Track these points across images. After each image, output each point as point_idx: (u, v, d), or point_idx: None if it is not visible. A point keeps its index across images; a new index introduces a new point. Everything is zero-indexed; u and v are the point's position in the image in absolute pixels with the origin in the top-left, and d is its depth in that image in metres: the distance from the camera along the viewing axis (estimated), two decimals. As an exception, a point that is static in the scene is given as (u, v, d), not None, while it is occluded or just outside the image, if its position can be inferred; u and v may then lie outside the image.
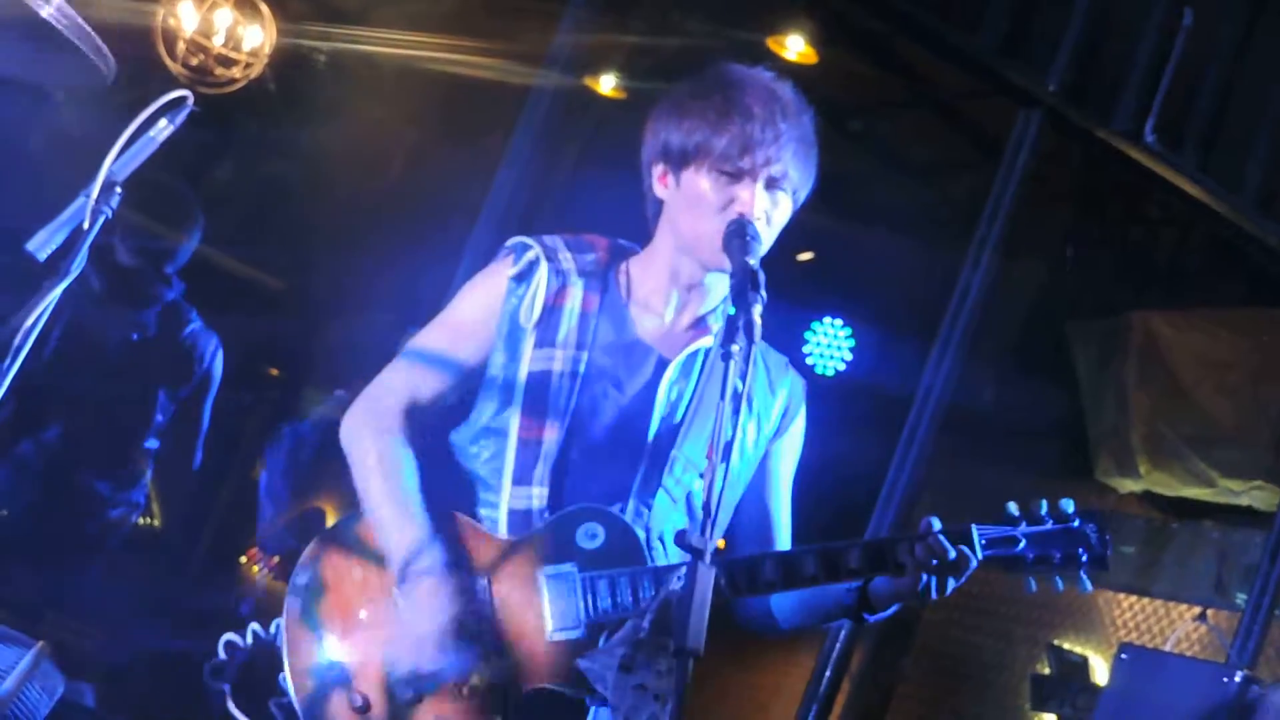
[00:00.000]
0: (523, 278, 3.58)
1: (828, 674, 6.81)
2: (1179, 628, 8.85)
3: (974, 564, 3.39)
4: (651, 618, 3.08)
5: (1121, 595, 9.45)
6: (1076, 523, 3.46)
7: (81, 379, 6.39)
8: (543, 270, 3.58)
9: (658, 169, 3.57)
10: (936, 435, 6.89)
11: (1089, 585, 3.46)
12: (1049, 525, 3.46)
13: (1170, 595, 9.30)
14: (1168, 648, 8.36)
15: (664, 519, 3.53)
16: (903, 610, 3.73)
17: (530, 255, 3.60)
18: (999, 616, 9.51)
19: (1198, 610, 8.80)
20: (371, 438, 3.55)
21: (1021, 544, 3.44)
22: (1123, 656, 6.50)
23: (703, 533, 2.78)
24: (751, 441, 3.64)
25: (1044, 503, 3.47)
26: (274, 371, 9.62)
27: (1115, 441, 9.16)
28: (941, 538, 3.35)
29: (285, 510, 8.27)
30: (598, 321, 3.56)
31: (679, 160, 3.50)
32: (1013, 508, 3.48)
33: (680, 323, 3.63)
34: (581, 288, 3.58)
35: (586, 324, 3.55)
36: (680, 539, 2.80)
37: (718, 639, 2.79)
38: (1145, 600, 9.39)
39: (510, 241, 3.67)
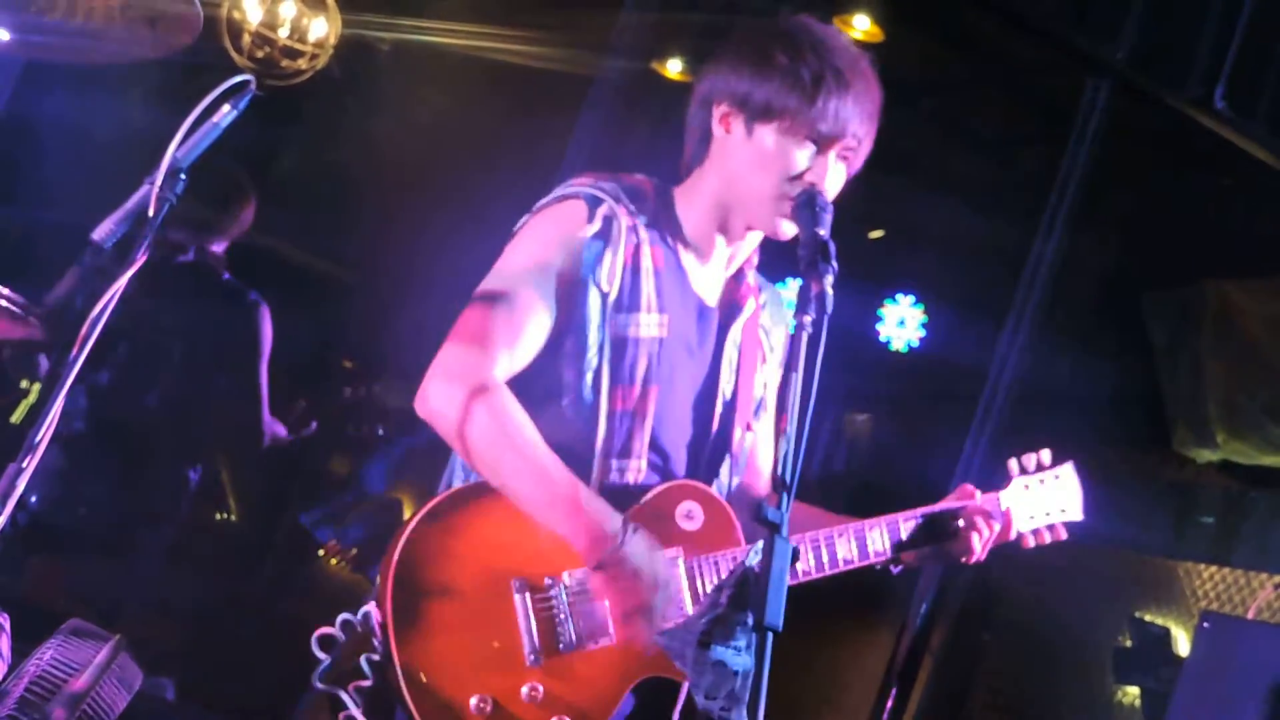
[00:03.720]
0: (600, 235, 3.43)
1: (908, 650, 6.79)
2: (1260, 596, 8.78)
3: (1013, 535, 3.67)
4: (730, 593, 3.07)
5: (1202, 566, 9.37)
6: (1058, 476, 3.72)
7: (148, 371, 6.38)
8: (620, 227, 3.44)
9: (720, 108, 3.49)
10: (1013, 408, 6.88)
11: (1064, 534, 3.70)
12: (1045, 483, 3.72)
13: (1251, 565, 9.21)
14: (1249, 617, 8.30)
15: (729, 476, 3.60)
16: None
17: (604, 210, 3.44)
18: (1079, 590, 9.44)
19: (1279, 579, 8.74)
20: (486, 405, 3.27)
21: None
22: (1205, 625, 6.47)
23: (779, 507, 2.77)
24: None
25: (1034, 458, 3.70)
26: (348, 364, 9.65)
27: (1192, 412, 9.08)
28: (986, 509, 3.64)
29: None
30: (667, 279, 3.49)
31: (757, 113, 3.42)
32: (1014, 465, 3.72)
33: (724, 275, 3.64)
34: (649, 243, 3.47)
35: (662, 284, 3.47)
36: (758, 514, 2.77)
37: (797, 616, 2.78)
38: (1226, 570, 9.30)
39: (574, 188, 3.50)
